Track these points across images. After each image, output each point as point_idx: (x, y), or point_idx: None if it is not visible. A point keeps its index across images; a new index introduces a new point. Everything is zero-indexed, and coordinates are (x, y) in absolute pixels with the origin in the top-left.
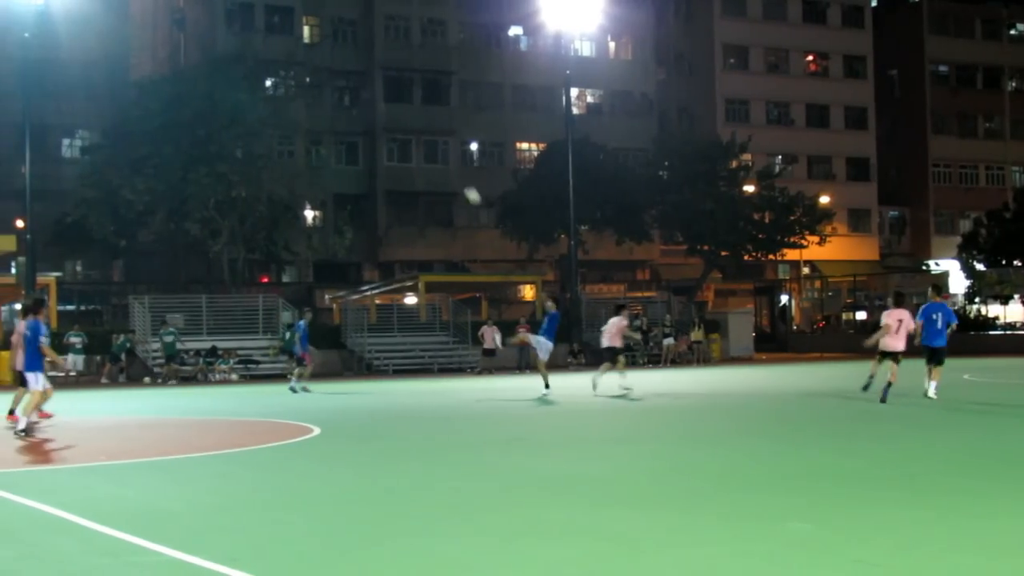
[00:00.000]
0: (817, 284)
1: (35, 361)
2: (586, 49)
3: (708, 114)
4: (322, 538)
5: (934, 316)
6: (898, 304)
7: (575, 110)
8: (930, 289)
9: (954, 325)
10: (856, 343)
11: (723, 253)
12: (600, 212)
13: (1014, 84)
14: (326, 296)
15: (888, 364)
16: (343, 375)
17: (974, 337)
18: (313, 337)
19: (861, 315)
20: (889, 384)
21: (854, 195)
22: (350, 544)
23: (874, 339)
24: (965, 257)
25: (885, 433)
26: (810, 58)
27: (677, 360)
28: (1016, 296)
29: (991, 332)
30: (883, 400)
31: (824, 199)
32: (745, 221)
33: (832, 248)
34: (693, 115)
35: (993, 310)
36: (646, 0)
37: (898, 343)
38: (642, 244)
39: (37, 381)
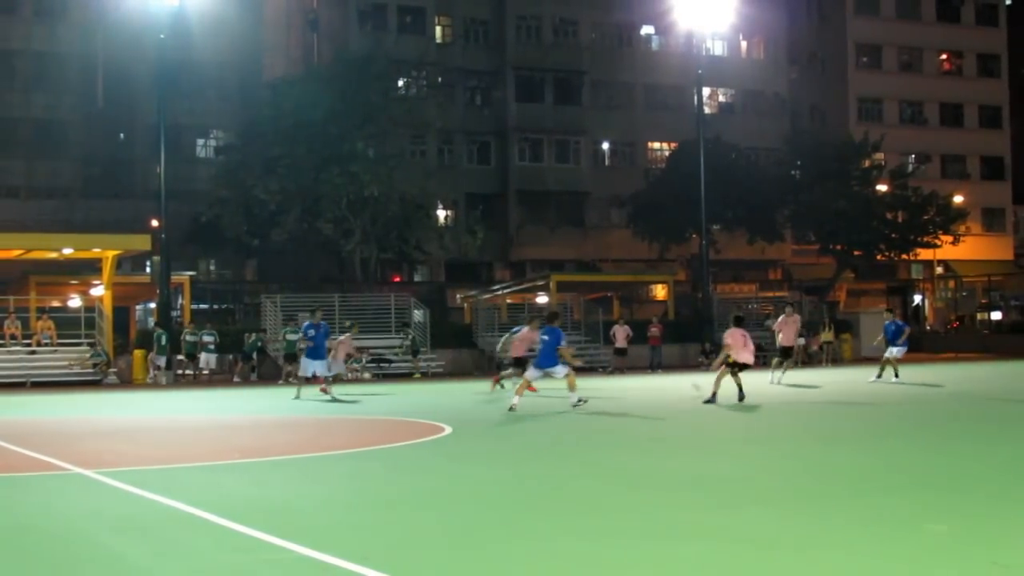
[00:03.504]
0: (951, 284)
1: (551, 360)
2: (718, 48)
3: (841, 113)
4: (453, 536)
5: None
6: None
7: (707, 109)
8: None
9: None
10: (992, 343)
11: (856, 253)
12: (732, 211)
13: None
14: (457, 296)
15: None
16: (473, 374)
17: None
18: (443, 336)
19: (996, 315)
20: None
21: (988, 194)
22: (481, 542)
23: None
24: None
25: (994, 435)
26: (944, 57)
27: (808, 360)
28: None
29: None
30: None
31: (958, 198)
32: (878, 220)
33: (966, 248)
34: (825, 114)
35: None
36: None
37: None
38: (774, 244)
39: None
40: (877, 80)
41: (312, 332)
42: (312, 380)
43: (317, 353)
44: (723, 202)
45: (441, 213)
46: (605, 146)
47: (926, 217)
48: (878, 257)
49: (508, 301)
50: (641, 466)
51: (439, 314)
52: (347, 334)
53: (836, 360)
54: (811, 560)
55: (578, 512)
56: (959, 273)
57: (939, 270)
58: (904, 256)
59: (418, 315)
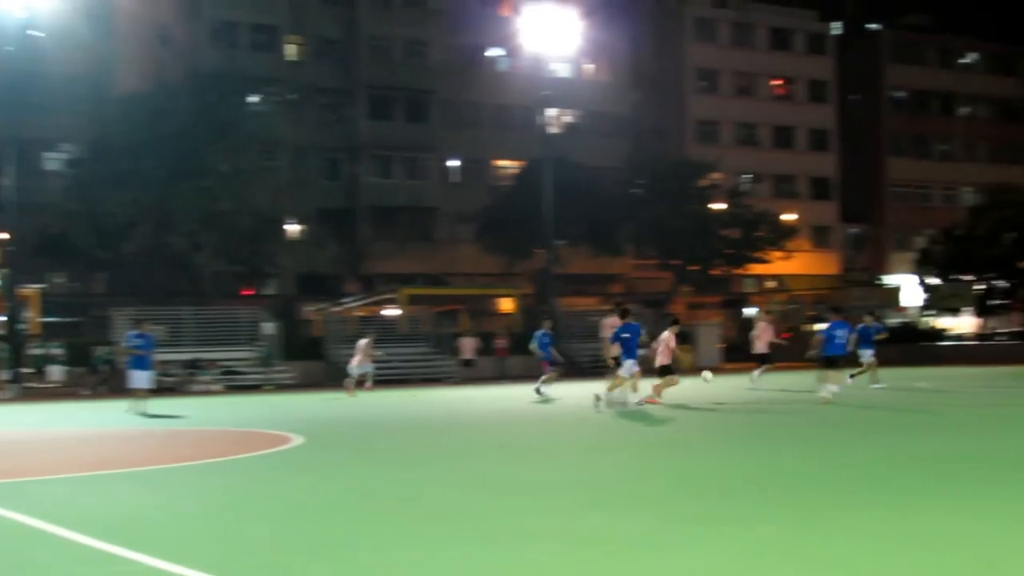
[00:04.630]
0: (782, 297)
1: (632, 352)
2: (563, 70)
3: (680, 134)
4: (304, 546)
5: (837, 332)
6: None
7: (552, 129)
8: (831, 311)
9: (853, 337)
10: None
11: (693, 267)
12: (576, 228)
13: (966, 110)
14: (308, 309)
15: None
16: (325, 385)
17: (926, 347)
18: (294, 349)
19: (821, 326)
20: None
21: (816, 213)
22: (333, 552)
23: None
24: (920, 272)
25: (844, 438)
26: (776, 82)
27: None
28: (966, 308)
29: (942, 343)
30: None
31: (788, 216)
32: (714, 237)
33: (796, 263)
34: (666, 135)
35: (945, 322)
36: (622, 24)
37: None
38: (616, 258)
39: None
40: (714, 103)
41: (137, 342)
42: (137, 392)
43: (142, 364)
44: (568, 218)
45: (292, 227)
46: (454, 163)
47: (758, 234)
48: (714, 271)
49: (358, 314)
50: (492, 473)
51: (290, 327)
52: (366, 339)
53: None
54: (649, 561)
55: (428, 519)
56: (790, 287)
57: (771, 284)
58: (738, 271)
59: (269, 328)
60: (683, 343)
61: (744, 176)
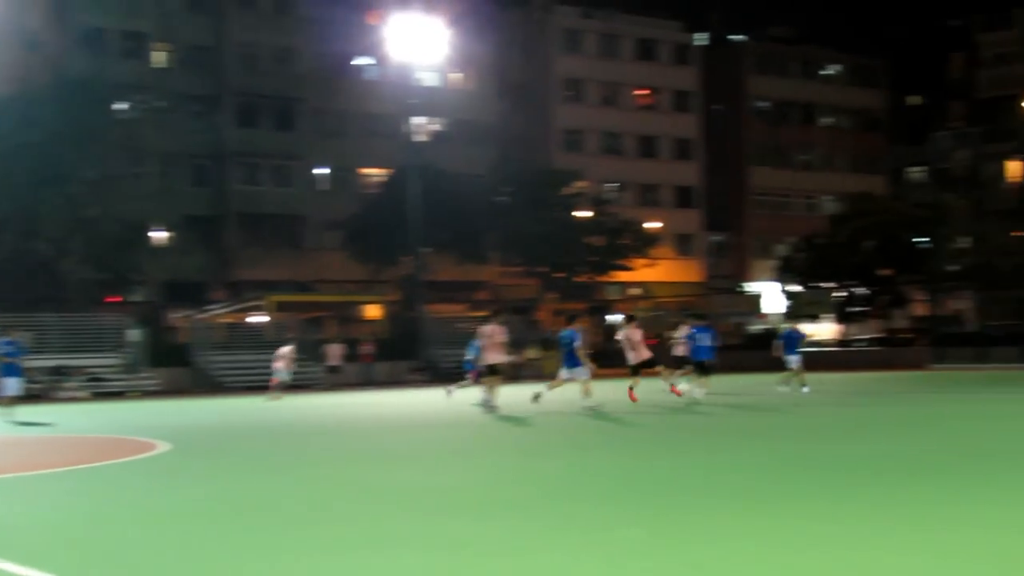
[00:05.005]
0: (646, 303)
1: (575, 360)
2: (431, 79)
3: (546, 143)
4: (165, 552)
5: (698, 336)
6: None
7: (419, 137)
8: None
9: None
10: (677, 360)
11: (558, 274)
12: (442, 235)
13: (827, 120)
14: (175, 316)
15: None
16: (191, 392)
17: None
18: (160, 355)
19: (683, 332)
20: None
21: (680, 221)
22: (192, 558)
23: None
24: (781, 279)
25: (713, 443)
26: (641, 92)
27: (514, 376)
28: (827, 315)
29: (803, 349)
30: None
31: (652, 224)
32: (579, 244)
33: (660, 270)
34: (532, 144)
35: (806, 328)
36: (489, 34)
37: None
38: (482, 265)
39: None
40: (579, 113)
41: (7, 349)
42: (4, 399)
43: (11, 371)
44: (434, 226)
45: (160, 234)
46: (322, 171)
47: (623, 241)
48: (579, 278)
49: (225, 320)
50: (357, 479)
51: (156, 334)
52: (290, 347)
53: (541, 376)
54: (507, 566)
55: (289, 526)
56: (654, 294)
57: (636, 291)
58: (603, 278)
59: (134, 335)
60: (547, 349)
61: (609, 184)
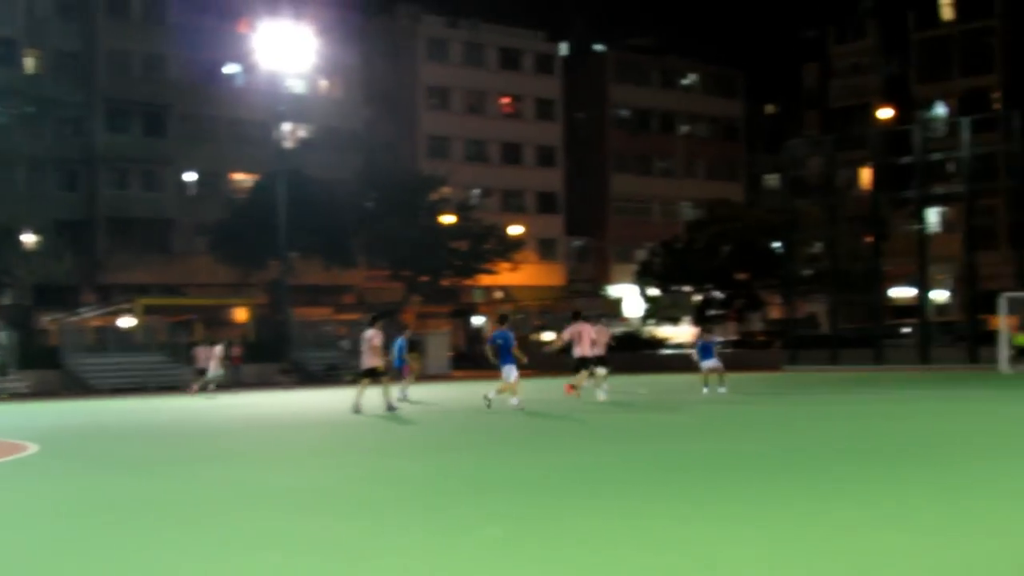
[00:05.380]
0: (509, 306)
1: (508, 357)
2: (299, 86)
3: (412, 149)
4: (38, 553)
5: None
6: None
7: (287, 144)
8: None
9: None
10: (545, 361)
11: (423, 278)
12: (309, 239)
13: (686, 128)
14: (44, 318)
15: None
16: (61, 394)
17: (648, 355)
18: (30, 358)
19: (549, 335)
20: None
21: (543, 226)
22: (64, 558)
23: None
24: (640, 282)
25: (570, 444)
26: (505, 100)
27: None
28: (685, 318)
29: (663, 351)
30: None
31: (516, 230)
32: (444, 249)
33: (524, 274)
34: (398, 150)
35: (666, 331)
36: (356, 42)
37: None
38: (348, 270)
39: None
40: (445, 120)
41: None
42: None
43: None
44: (301, 231)
45: (29, 238)
46: (191, 176)
47: (487, 246)
48: (443, 282)
49: (95, 324)
50: (223, 478)
51: (26, 336)
52: (220, 345)
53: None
54: (373, 565)
55: (156, 526)
56: (517, 297)
57: (499, 295)
58: (467, 282)
59: (3, 337)
60: (412, 351)
61: (473, 190)
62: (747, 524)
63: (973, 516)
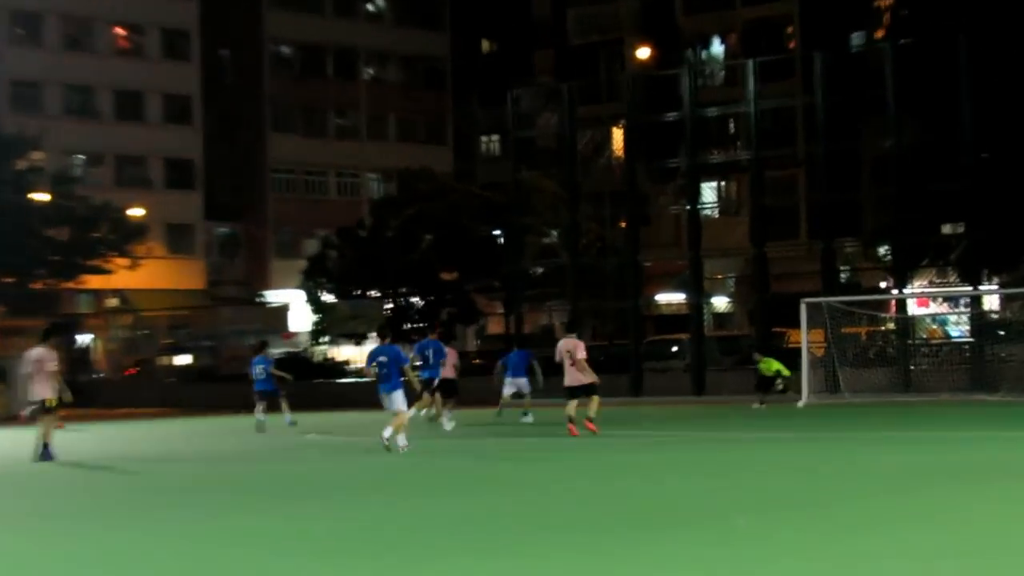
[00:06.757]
0: (128, 320)
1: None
2: None
3: None
4: None
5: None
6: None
7: None
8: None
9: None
10: (175, 395)
11: (6, 279)
12: None
13: (371, 71)
14: None
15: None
16: None
17: (323, 386)
18: None
19: (184, 359)
20: None
21: (175, 206)
22: None
23: None
24: (311, 286)
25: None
26: (120, 32)
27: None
28: (372, 334)
29: (340, 380)
30: None
31: (137, 211)
32: (35, 239)
33: (148, 274)
34: None
35: (344, 352)
36: None
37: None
38: None
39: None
40: (35, 58)
41: None
42: None
43: None
44: None
45: None
46: None
47: (97, 235)
48: (35, 285)
49: None
50: None
51: None
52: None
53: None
54: None
55: None
56: (138, 306)
57: (114, 302)
58: (69, 285)
59: None
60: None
61: (76, 156)
62: None
63: None
